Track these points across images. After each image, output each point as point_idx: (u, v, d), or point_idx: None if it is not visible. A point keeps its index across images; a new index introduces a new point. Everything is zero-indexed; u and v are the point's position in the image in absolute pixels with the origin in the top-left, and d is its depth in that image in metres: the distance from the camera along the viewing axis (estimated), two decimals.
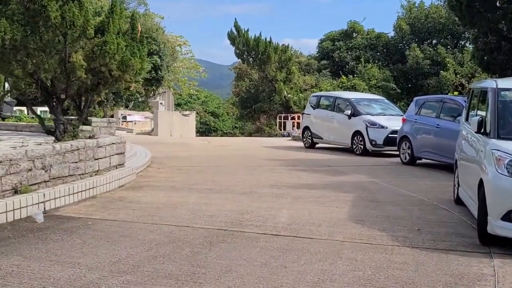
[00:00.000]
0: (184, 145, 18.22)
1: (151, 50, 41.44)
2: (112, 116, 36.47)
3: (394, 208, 7.23)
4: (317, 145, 17.88)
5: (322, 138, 17.15)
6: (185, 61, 55.05)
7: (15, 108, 27.43)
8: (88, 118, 17.85)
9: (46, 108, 29.56)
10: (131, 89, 19.41)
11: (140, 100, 46.17)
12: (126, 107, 41.99)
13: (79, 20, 7.34)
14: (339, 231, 5.83)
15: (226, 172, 10.60)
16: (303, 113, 19.27)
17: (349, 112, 15.82)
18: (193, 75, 55.94)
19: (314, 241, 5.42)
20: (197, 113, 64.25)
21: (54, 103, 8.76)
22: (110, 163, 8.45)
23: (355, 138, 15.41)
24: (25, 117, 22.48)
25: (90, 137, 8.53)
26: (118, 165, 8.85)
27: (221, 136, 64.60)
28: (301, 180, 9.80)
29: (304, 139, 18.09)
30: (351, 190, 8.66)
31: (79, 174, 7.39)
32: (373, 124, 15.08)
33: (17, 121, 22.28)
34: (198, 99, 75.15)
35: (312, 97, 18.78)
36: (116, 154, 8.74)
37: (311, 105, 18.18)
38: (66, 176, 7.06)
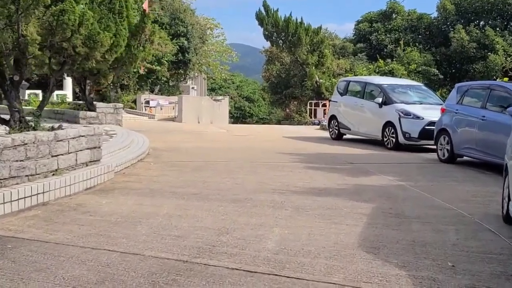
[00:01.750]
0: (198, 134, 16.86)
1: (178, 31, 40.33)
2: (134, 101, 35.54)
3: (422, 227, 5.64)
4: (345, 137, 16.27)
5: (349, 129, 15.51)
6: (216, 44, 53.80)
7: (29, 91, 26.61)
8: (94, 103, 16.71)
9: (64, 92, 28.66)
10: (140, 71, 18.07)
11: (170, 84, 45.24)
12: (152, 91, 40.95)
13: None
14: (341, 267, 4.30)
15: (226, 170, 9.15)
16: (329, 100, 17.62)
17: (380, 100, 14.12)
18: (225, 59, 54.65)
19: (301, 284, 3.93)
20: (231, 98, 63.23)
21: (7, 87, 7.42)
22: (76, 160, 7.10)
23: (387, 129, 13.73)
24: (34, 101, 21.49)
25: (53, 128, 7.20)
26: (90, 161, 7.50)
27: (256, 122, 63.45)
28: (313, 182, 8.27)
29: (330, 130, 16.49)
30: (372, 198, 7.08)
31: (26, 175, 6.05)
32: (407, 114, 13.37)
33: (25, 106, 21.34)
34: (233, 83, 74.03)
35: (340, 82, 17.11)
36: (87, 148, 7.39)
37: (338, 91, 16.53)
38: (5, 179, 5.73)
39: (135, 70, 17.75)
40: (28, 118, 7.60)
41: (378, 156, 12.25)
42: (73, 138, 6.97)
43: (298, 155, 11.69)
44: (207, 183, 7.81)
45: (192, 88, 53.96)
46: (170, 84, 45.10)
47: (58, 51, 6.92)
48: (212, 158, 10.76)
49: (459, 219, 6.10)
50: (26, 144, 6.03)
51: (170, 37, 38.68)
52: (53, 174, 6.54)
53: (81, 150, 7.23)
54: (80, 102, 18.18)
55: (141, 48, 15.91)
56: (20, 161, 5.96)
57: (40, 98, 26.04)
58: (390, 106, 13.83)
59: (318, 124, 26.70)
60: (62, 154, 6.73)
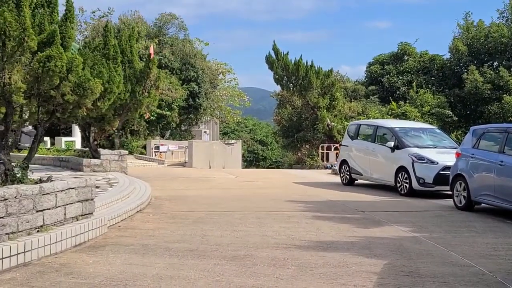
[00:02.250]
0: (205, 181, 16.44)
1: (189, 76, 40.52)
2: (144, 147, 35.38)
3: None
4: (356, 182, 15.76)
5: (361, 174, 15.01)
6: (228, 89, 54.00)
7: None
8: (98, 149, 16.43)
9: (72, 138, 28.53)
10: (146, 117, 17.85)
11: (182, 129, 45.21)
12: (162, 136, 40.85)
13: (13, 28, 5.69)
14: None
15: (228, 222, 8.66)
16: (340, 144, 17.20)
17: (392, 143, 13.66)
18: (237, 103, 54.72)
19: None
20: (244, 141, 63.08)
21: None
22: (65, 214, 6.68)
23: (400, 175, 13.22)
24: (40, 148, 21.29)
25: (41, 181, 6.82)
26: (82, 215, 7.08)
27: (269, 165, 63.01)
28: (320, 234, 7.75)
29: (342, 175, 15.99)
30: (383, 254, 6.55)
31: (6, 234, 5.63)
32: (421, 158, 12.87)
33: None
34: (246, 127, 74.06)
35: (350, 125, 16.71)
36: (78, 201, 6.98)
37: (349, 135, 16.11)
38: None
39: (143, 115, 17.45)
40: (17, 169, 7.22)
41: (390, 204, 11.71)
42: (61, 191, 6.57)
43: (307, 203, 11.19)
44: (206, 237, 7.33)
45: (205, 132, 53.94)
46: (182, 128, 45.11)
47: (46, 99, 6.61)
48: (216, 208, 10.29)
49: (480, 278, 5.55)
50: (6, 199, 5.63)
51: (181, 82, 38.86)
52: (38, 231, 6.12)
53: (70, 204, 6.82)
54: (86, 149, 17.94)
55: (146, 94, 15.73)
56: (0, 218, 5.56)
57: (48, 145, 25.99)
58: (402, 150, 13.36)
59: (330, 168, 26.22)
60: (48, 209, 6.32)
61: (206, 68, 43.91)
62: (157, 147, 33.73)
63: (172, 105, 36.76)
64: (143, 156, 32.97)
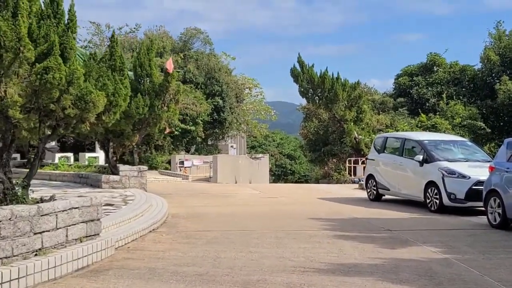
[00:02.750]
0: (227, 198, 16.01)
1: (213, 91, 40.36)
2: (169, 162, 35.19)
3: None
4: (384, 197, 15.13)
5: (389, 190, 14.39)
6: (254, 103, 53.79)
7: (61, 154, 26.53)
8: (118, 165, 16.16)
9: (95, 154, 28.47)
10: (166, 132, 17.56)
11: (209, 143, 45.02)
12: (187, 151, 40.67)
13: (8, 38, 5.36)
14: None
15: (245, 242, 8.18)
16: (366, 158, 16.60)
17: (420, 157, 13.04)
18: (263, 117, 54.44)
19: None
20: (271, 155, 62.65)
21: None
22: (67, 236, 6.30)
23: (429, 190, 12.57)
24: (62, 165, 21.21)
25: (42, 201, 6.47)
26: (86, 236, 6.70)
27: (298, 179, 62.31)
28: (342, 256, 7.21)
29: (368, 190, 15.39)
30: (410, 279, 5.98)
31: (0, 258, 5.27)
32: (452, 173, 12.21)
33: (53, 169, 21.09)
34: (274, 141, 73.73)
35: (377, 138, 16.12)
36: (82, 222, 6.60)
37: (376, 149, 15.52)
38: None
39: (163, 130, 17.17)
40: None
41: (419, 221, 11.07)
42: (62, 211, 6.20)
43: (330, 221, 10.64)
44: (219, 260, 6.86)
45: (231, 146, 53.70)
46: (209, 143, 44.91)
47: (47, 114, 6.27)
48: (233, 227, 9.82)
49: None
50: (0, 221, 5.28)
51: (205, 96, 38.71)
52: (36, 254, 5.74)
53: (73, 225, 6.45)
54: (106, 165, 17.71)
55: (165, 108, 15.43)
56: None
57: (72, 161, 25.96)
58: (432, 164, 12.72)
59: (357, 183, 25.53)
60: (48, 231, 5.95)
61: (231, 82, 43.75)
62: (182, 162, 33.49)
63: (197, 120, 36.57)
64: (167, 171, 32.79)
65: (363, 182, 16.52)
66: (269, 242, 8.19)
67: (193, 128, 36.14)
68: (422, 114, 32.10)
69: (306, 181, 54.43)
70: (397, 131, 27.34)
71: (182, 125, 34.79)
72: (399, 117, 34.06)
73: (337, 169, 31.49)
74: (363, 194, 16.79)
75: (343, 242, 8.31)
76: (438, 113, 32.54)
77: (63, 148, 31.23)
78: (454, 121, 30.42)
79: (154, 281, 5.77)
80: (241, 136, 54.90)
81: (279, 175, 65.31)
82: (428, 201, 12.59)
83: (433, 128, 29.21)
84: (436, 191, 12.31)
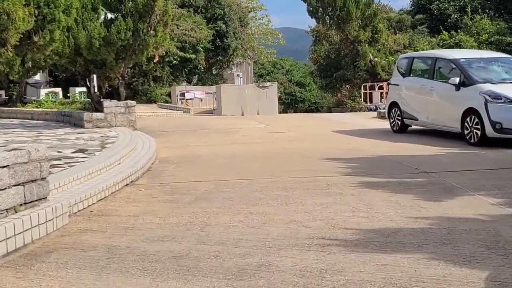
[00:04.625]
0: (229, 134, 14.26)
1: (215, 15, 37.82)
2: (169, 94, 33.28)
3: None
4: (410, 128, 13.34)
5: (416, 119, 12.56)
6: (260, 27, 51.29)
7: (48, 90, 24.73)
8: (102, 101, 14.39)
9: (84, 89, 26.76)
10: (155, 61, 15.64)
11: (214, 73, 42.95)
12: (189, 82, 38.67)
13: None
14: None
15: (244, 197, 6.48)
16: (389, 83, 14.66)
17: (456, 80, 11.08)
18: (270, 42, 52.12)
19: None
20: (280, 83, 60.68)
21: None
22: None
23: (468, 119, 10.72)
24: (46, 101, 19.47)
25: None
26: (24, 204, 5.01)
27: (308, 107, 60.49)
28: (374, 216, 5.49)
29: (391, 120, 13.56)
30: (476, 254, 4.28)
31: None
32: (497, 97, 10.31)
33: (37, 107, 19.40)
34: (282, 68, 71.60)
35: (400, 60, 14.10)
36: (14, 185, 4.89)
37: (400, 72, 13.57)
38: None
39: (152, 58, 15.24)
40: None
41: (459, 158, 9.31)
42: None
43: (350, 162, 8.89)
44: (207, 229, 5.17)
45: (237, 75, 51.59)
46: (213, 72, 42.79)
47: None
48: (231, 174, 8.11)
49: None
50: None
51: (206, 21, 36.29)
52: None
53: (1, 190, 4.73)
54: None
55: (152, 32, 13.43)
56: None
57: (61, 97, 24.17)
58: (471, 87, 10.79)
59: (374, 110, 23.70)
60: None
61: (234, 5, 41.12)
62: (183, 94, 31.67)
63: (197, 47, 34.37)
64: (167, 104, 31.02)
65: (385, 111, 14.63)
66: (275, 197, 6.48)
67: (193, 56, 34.00)
68: (444, 31, 29.68)
69: (317, 109, 52.58)
70: (417, 51, 25.13)
71: (181, 53, 32.66)
72: (418, 36, 31.72)
73: (351, 96, 29.55)
74: (384, 124, 14.99)
75: (372, 193, 6.58)
76: (461, 30, 30.11)
77: (55, 83, 29.39)
78: (480, 37, 28.05)
79: (109, 273, 4.08)
80: (247, 63, 52.65)
81: (289, 103, 63.54)
82: (466, 132, 10.76)
83: (457, 47, 26.93)
84: (476, 120, 10.45)
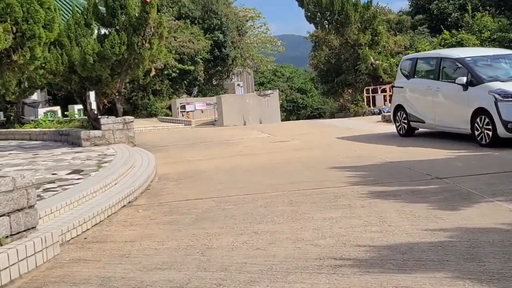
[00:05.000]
0: (229, 145, 13.92)
1: (212, 25, 37.57)
2: (169, 107, 32.99)
3: None
4: (417, 131, 12.97)
5: (423, 122, 12.20)
6: (258, 35, 51.13)
7: (47, 109, 24.44)
8: (99, 118, 14.08)
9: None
10: (152, 75, 15.33)
11: (214, 83, 42.69)
12: (189, 94, 38.39)
13: None
14: None
15: (247, 214, 6.12)
16: (393, 86, 14.30)
17: (464, 79, 10.73)
18: (269, 50, 51.98)
19: None
20: (282, 91, 60.37)
21: None
22: None
23: (478, 119, 10.34)
24: (44, 121, 19.16)
25: None
26: (10, 235, 4.66)
27: (310, 113, 60.14)
28: (387, 230, 5.12)
29: (397, 124, 13.20)
30: (503, 271, 3.90)
31: None
32: (507, 95, 9.96)
33: (35, 127, 19.09)
34: (283, 75, 71.43)
35: (404, 61, 13.75)
36: (1, 215, 4.54)
37: (403, 73, 13.22)
38: None
39: (149, 73, 14.93)
40: None
41: (472, 161, 8.92)
42: None
43: (358, 170, 8.53)
44: (209, 253, 4.81)
45: (238, 85, 51.27)
46: (214, 83, 42.50)
47: None
48: (233, 189, 7.75)
49: None
50: None
51: (203, 32, 36.06)
52: None
53: None
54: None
55: (147, 45, 13.12)
56: None
57: (59, 115, 23.86)
58: (479, 87, 10.43)
59: (378, 114, 23.35)
60: None
61: (231, 14, 40.91)
62: (183, 107, 31.35)
63: (196, 58, 34.11)
64: (167, 118, 30.72)
65: (390, 114, 14.27)
66: (280, 213, 6.11)
67: (192, 68, 33.73)
68: (445, 31, 29.34)
69: (320, 115, 52.21)
70: (418, 52, 24.76)
71: (180, 66, 32.41)
72: (418, 36, 31.42)
73: (353, 100, 29.17)
74: (390, 128, 14.63)
75: (383, 203, 6.21)
76: (462, 28, 29.78)
77: (55, 102, 29.11)
78: (483, 35, 27.69)
79: None
80: (247, 73, 52.40)
81: (291, 110, 63.28)
82: (477, 133, 10.38)
83: (459, 45, 26.56)
84: (487, 120, 10.08)
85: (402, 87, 13.01)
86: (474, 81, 10.57)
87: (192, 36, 33.56)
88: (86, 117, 16.03)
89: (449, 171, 7.92)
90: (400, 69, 13.50)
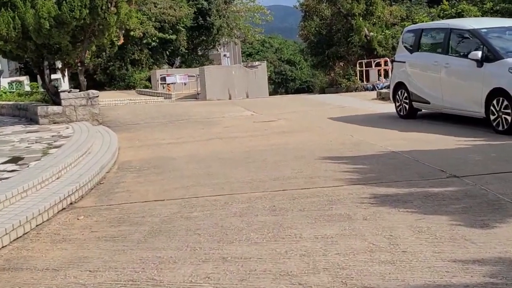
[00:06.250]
0: (207, 125, 12.55)
1: None
2: (149, 79, 31.38)
3: None
4: (420, 112, 11.69)
5: (428, 103, 10.89)
6: (246, 3, 49.38)
7: (11, 79, 22.85)
8: (59, 91, 12.61)
9: (56, 76, 24.80)
10: (119, 43, 13.81)
11: (199, 54, 41.07)
12: (171, 65, 36.76)
13: None
14: None
15: (217, 226, 4.78)
16: (393, 60, 12.94)
17: (478, 54, 9.37)
18: (257, 20, 50.29)
19: None
20: (270, 62, 58.79)
21: None
22: None
23: (495, 101, 9.04)
24: (4, 93, 17.62)
25: None
26: None
27: (298, 87, 58.88)
28: (401, 259, 3.83)
29: (398, 104, 11.88)
30: None
31: None
32: None
33: None
34: (272, 46, 69.98)
35: (406, 32, 12.36)
36: None
37: (406, 47, 11.86)
38: None
39: (115, 41, 13.40)
40: None
41: (492, 152, 7.63)
42: None
43: (356, 162, 7.21)
44: (159, 277, 3.48)
45: (224, 55, 49.63)
46: (199, 53, 40.90)
47: None
48: (203, 187, 6.40)
49: None
50: None
51: None
52: None
53: None
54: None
55: (113, 9, 11.61)
56: None
57: (25, 87, 22.28)
58: (497, 63, 9.08)
59: (372, 90, 22.06)
60: None
61: None
62: (163, 79, 29.71)
63: (178, 27, 32.43)
64: (147, 90, 29.19)
65: (389, 92, 12.91)
66: (259, 226, 4.79)
67: (173, 37, 32.07)
68: (444, 1, 27.95)
69: (309, 88, 50.83)
70: (415, 23, 23.37)
71: (160, 34, 30.72)
72: (416, 7, 29.97)
73: (345, 74, 27.77)
74: (388, 107, 13.33)
75: (391, 214, 4.91)
76: None
77: (26, 71, 27.41)
78: (484, 6, 26.33)
79: None
80: (234, 43, 50.72)
81: (279, 83, 62.04)
82: (493, 117, 9.07)
83: (459, 17, 25.23)
84: (506, 102, 8.77)
85: (404, 62, 11.65)
86: (491, 56, 9.23)
87: (174, 3, 31.82)
88: (61, 87, 14.61)
89: (467, 167, 6.63)
90: (402, 42, 12.13)
